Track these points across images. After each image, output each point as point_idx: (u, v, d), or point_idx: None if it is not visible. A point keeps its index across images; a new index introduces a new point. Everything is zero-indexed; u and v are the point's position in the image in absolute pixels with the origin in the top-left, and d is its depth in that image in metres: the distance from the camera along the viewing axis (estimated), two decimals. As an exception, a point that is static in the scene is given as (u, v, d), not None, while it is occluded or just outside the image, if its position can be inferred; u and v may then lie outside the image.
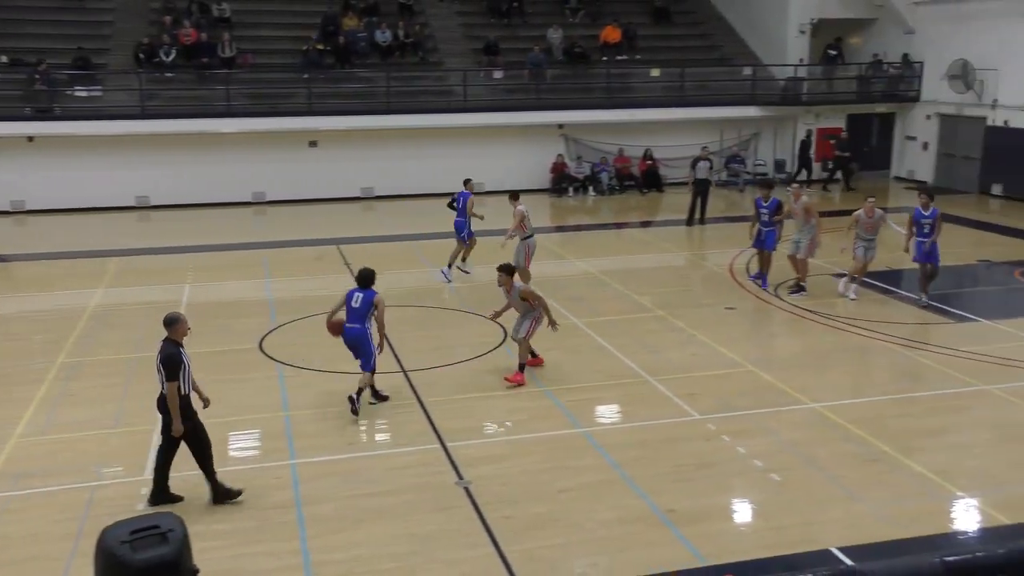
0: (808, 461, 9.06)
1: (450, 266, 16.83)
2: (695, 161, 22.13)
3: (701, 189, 21.84)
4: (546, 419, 10.21)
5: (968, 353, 12.25)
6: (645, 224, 23.17)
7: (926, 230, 14.04)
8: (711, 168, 22.66)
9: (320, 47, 26.35)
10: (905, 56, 28.47)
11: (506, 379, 11.25)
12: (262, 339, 13.25)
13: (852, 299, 14.73)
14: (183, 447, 8.18)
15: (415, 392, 11.04)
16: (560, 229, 23.17)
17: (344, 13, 28.00)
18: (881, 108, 29.05)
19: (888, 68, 29.01)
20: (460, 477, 8.77)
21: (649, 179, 27.07)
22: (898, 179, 29.03)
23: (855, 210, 14.94)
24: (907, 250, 14.55)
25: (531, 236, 15.57)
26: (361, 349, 10.28)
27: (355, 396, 10.20)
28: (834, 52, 29.49)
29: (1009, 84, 24.84)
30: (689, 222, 21.91)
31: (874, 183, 28.05)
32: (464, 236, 16.94)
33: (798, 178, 26.68)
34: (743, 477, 8.86)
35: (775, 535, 7.68)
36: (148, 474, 8.46)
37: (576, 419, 10.18)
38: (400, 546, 7.54)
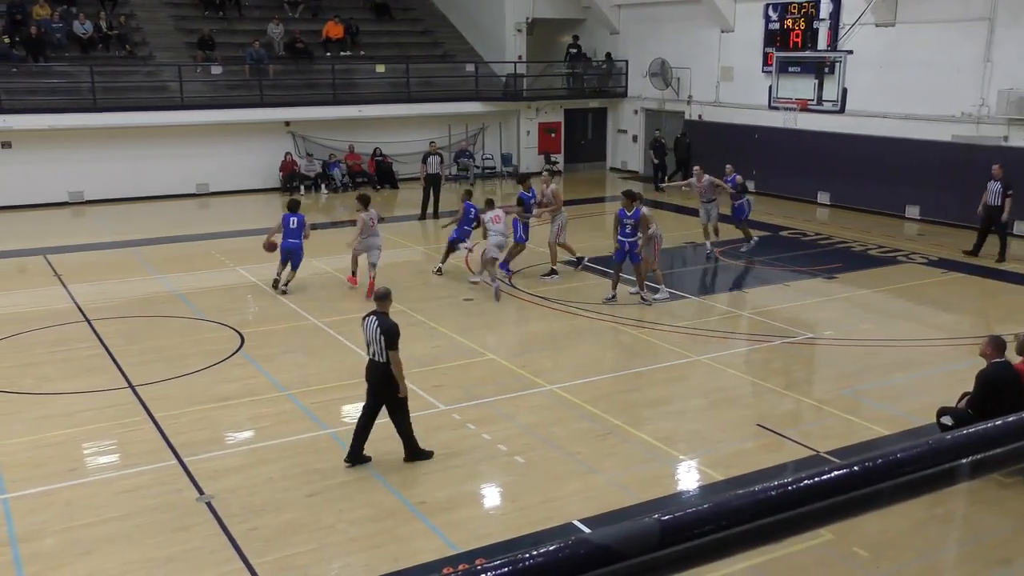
0: (548, 441, 9.51)
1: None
2: (426, 156, 22.45)
3: (433, 183, 22.20)
4: (290, 423, 9.95)
5: (681, 327, 13.42)
6: (382, 220, 23.10)
7: (628, 230, 14.31)
8: (442, 163, 23.09)
9: (6, 38, 23.80)
10: (608, 55, 30.57)
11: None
12: (-42, 364, 11.81)
13: (650, 301, 14.53)
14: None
15: (145, 408, 10.34)
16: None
17: (34, 1, 25.47)
18: (594, 103, 30.99)
19: (599, 65, 30.98)
20: (201, 493, 8.33)
21: (383, 176, 27.08)
22: (614, 170, 31.12)
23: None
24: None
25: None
26: (296, 258, 14.95)
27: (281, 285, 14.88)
28: (575, 50, 31.00)
29: (700, 81, 27.45)
30: (422, 216, 22.22)
31: (591, 175, 29.93)
32: (517, 237, 16.26)
33: (672, 177, 26.62)
34: (489, 463, 9.13)
35: (521, 515, 7.99)
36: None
37: (321, 421, 10.00)
38: (136, 573, 7.03)
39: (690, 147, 26.50)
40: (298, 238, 14.90)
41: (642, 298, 14.60)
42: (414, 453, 8.90)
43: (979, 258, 17.44)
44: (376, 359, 8.68)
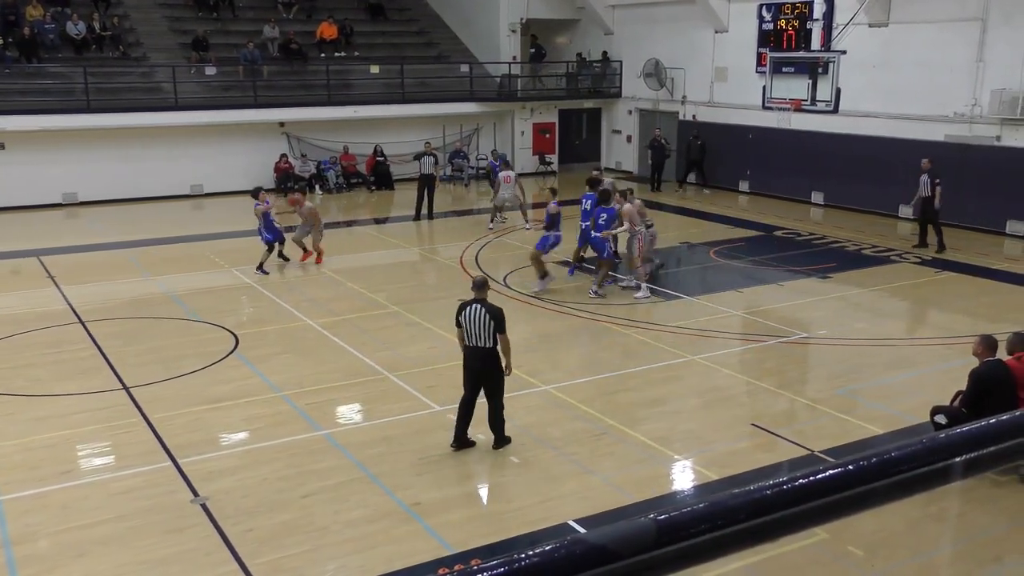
0: (543, 441, 9.51)
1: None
2: (419, 156, 22.46)
3: (426, 184, 22.18)
4: (284, 424, 9.94)
5: (675, 328, 13.44)
6: (377, 221, 23.16)
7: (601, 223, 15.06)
8: (436, 163, 23.08)
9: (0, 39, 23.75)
10: (604, 54, 30.57)
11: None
12: (-49, 366, 11.78)
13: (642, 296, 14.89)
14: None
15: (140, 409, 10.32)
16: (289, 229, 22.53)
17: (27, 2, 25.41)
18: (588, 104, 30.99)
19: (594, 66, 30.98)
20: (195, 494, 8.31)
21: (380, 177, 26.97)
22: (608, 170, 31.09)
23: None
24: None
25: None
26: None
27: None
28: (532, 50, 30.97)
29: (695, 82, 27.48)
30: (416, 217, 22.20)
31: (585, 175, 29.82)
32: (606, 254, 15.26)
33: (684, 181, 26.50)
34: (484, 463, 9.13)
35: (517, 516, 7.99)
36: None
37: (316, 422, 9.99)
38: (130, 575, 7.03)
39: (704, 148, 26.45)
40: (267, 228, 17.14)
41: (594, 291, 15.03)
42: (500, 440, 9.22)
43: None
44: (480, 345, 8.93)
